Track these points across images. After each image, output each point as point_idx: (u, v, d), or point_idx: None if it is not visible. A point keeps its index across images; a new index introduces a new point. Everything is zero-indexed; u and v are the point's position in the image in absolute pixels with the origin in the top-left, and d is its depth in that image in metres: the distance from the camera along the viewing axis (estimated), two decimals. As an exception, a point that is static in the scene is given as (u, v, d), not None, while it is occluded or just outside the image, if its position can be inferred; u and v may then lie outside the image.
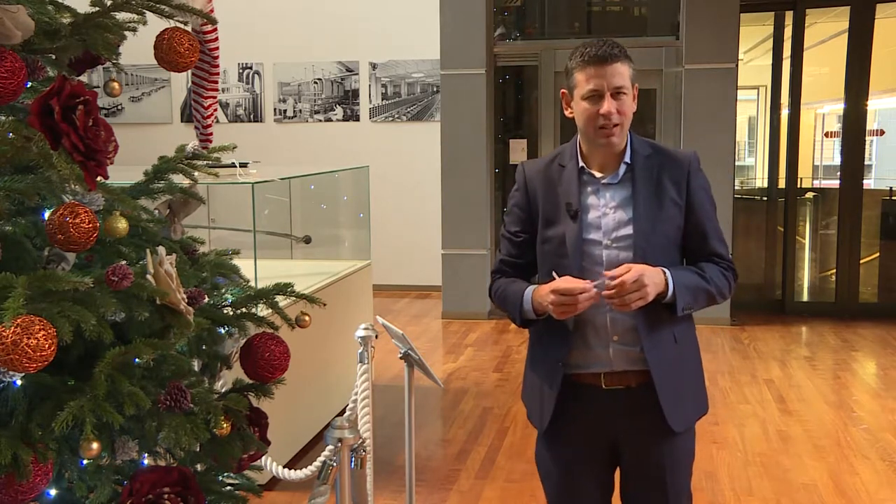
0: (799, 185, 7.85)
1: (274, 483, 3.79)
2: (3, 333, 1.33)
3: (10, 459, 1.41)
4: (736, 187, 7.50)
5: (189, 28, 1.81)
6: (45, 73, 1.63)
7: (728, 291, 2.19)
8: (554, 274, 2.05)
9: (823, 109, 9.64)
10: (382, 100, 8.85)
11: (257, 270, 3.74)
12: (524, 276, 2.24)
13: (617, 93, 2.05)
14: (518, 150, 7.85)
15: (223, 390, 1.91)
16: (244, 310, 1.99)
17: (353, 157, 7.67)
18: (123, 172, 2.18)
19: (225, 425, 1.70)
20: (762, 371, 5.88)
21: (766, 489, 3.94)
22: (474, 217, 7.52)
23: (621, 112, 2.06)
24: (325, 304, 2.16)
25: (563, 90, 2.16)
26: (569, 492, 2.24)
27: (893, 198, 8.07)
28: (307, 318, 2.02)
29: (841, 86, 7.49)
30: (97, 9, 1.67)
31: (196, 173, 2.06)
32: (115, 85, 1.69)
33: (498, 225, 7.81)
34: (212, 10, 1.96)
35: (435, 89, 8.55)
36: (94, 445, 1.46)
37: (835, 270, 7.71)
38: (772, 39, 7.88)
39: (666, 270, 2.04)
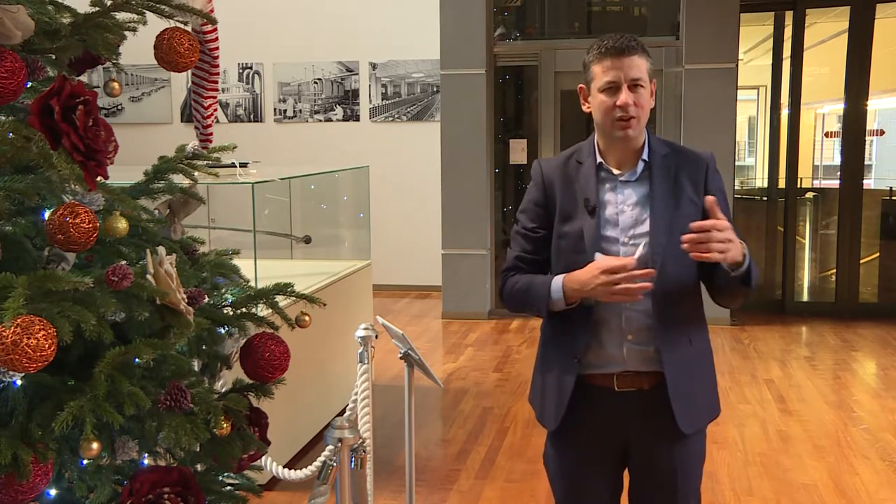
0: (799, 185, 7.84)
1: (274, 483, 3.80)
2: (3, 333, 1.33)
3: (10, 459, 1.41)
4: (736, 187, 7.50)
5: (189, 28, 1.81)
6: (45, 73, 1.63)
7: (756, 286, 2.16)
8: (597, 255, 2.02)
9: (823, 109, 9.64)
10: (382, 100, 8.84)
11: (257, 270, 3.74)
12: (539, 273, 2.21)
13: (634, 85, 2.03)
14: (518, 151, 7.84)
15: (223, 390, 1.91)
16: (244, 310, 1.99)
17: (353, 157, 7.67)
18: (123, 172, 2.18)
19: (225, 425, 1.70)
20: (762, 371, 5.88)
21: (766, 489, 3.94)
22: (474, 217, 7.52)
23: (638, 105, 2.04)
24: (325, 304, 2.16)
25: (580, 85, 2.14)
26: (578, 492, 2.23)
27: (893, 198, 8.06)
28: (307, 318, 2.02)
29: (841, 86, 7.48)
30: (97, 9, 1.67)
31: (196, 173, 2.06)
32: (115, 85, 1.69)
33: (498, 225, 7.82)
34: (212, 10, 1.96)
35: (435, 89, 8.55)
36: (94, 445, 1.46)
37: (835, 270, 7.71)
38: (772, 39, 7.88)
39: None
